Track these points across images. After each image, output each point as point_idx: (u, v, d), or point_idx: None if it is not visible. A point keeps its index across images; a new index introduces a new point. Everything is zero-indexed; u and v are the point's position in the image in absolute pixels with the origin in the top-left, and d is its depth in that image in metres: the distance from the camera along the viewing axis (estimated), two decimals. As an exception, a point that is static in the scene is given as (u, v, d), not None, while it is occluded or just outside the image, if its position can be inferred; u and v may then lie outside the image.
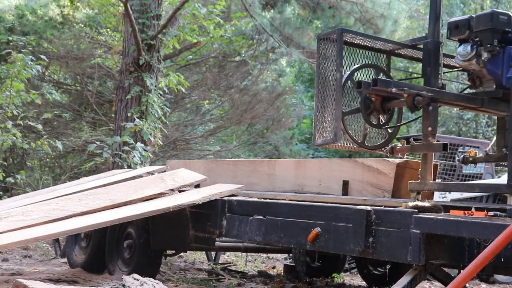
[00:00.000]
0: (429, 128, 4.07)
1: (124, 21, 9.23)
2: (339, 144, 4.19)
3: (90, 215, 4.65)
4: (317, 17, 13.70)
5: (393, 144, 4.35)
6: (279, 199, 4.68)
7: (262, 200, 4.72)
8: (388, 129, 4.42)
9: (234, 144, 14.52)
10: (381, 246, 3.66)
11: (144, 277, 4.00)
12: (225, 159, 11.05)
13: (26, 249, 7.74)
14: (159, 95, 9.16)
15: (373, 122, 4.28)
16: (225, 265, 7.16)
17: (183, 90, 10.04)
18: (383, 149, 4.40)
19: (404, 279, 3.59)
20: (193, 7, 9.18)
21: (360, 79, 4.23)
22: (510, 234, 2.73)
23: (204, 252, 7.41)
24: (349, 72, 4.24)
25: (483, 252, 2.75)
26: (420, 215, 3.51)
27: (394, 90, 3.95)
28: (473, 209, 3.61)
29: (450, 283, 2.81)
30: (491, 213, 3.41)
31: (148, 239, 5.14)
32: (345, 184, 4.68)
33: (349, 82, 4.21)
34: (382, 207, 3.87)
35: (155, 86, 8.94)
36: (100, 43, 11.66)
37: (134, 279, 3.91)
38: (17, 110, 8.42)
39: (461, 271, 3.23)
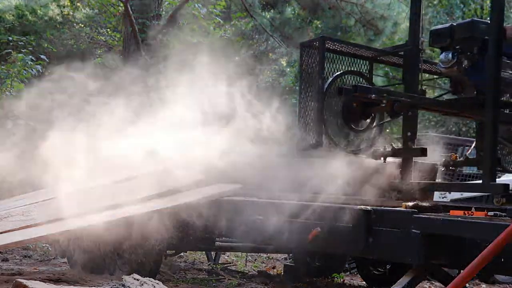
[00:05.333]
0: (409, 133, 4.24)
1: (124, 21, 9.23)
2: (322, 149, 4.30)
3: (90, 215, 4.64)
4: (317, 17, 13.72)
5: (375, 148, 4.50)
6: (279, 199, 4.68)
7: (263, 200, 4.72)
8: (370, 133, 4.58)
9: (234, 144, 14.48)
10: (381, 246, 3.66)
11: (144, 277, 4.00)
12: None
13: (26, 249, 7.74)
14: (159, 95, 9.16)
15: (355, 127, 4.38)
16: (225, 265, 7.16)
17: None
18: (365, 153, 4.56)
19: (404, 279, 3.59)
20: (193, 7, 9.19)
21: (344, 85, 4.41)
22: (510, 234, 2.73)
23: (204, 252, 7.41)
24: (331, 78, 4.34)
25: (483, 252, 2.75)
26: (420, 215, 3.51)
27: (374, 96, 4.09)
28: (473, 209, 3.61)
29: (450, 283, 2.81)
30: (491, 213, 3.41)
31: (148, 239, 5.14)
32: (345, 184, 4.69)
33: (331, 88, 4.33)
34: (382, 207, 3.88)
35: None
36: (100, 43, 11.66)
37: (134, 279, 3.91)
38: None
39: (461, 271, 3.23)
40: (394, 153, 4.35)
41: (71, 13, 12.38)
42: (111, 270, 5.38)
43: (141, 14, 8.85)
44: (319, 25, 16.82)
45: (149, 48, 8.84)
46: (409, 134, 4.25)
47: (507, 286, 6.90)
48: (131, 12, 8.46)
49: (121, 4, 8.70)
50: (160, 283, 3.92)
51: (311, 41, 4.50)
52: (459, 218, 3.35)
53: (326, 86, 4.31)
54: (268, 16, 13.44)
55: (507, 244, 2.73)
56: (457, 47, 4.18)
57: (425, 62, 4.64)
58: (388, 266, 5.91)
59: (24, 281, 3.46)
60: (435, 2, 17.28)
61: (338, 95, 4.29)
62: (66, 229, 4.36)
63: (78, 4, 12.13)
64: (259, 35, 13.13)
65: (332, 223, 3.94)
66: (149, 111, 5.42)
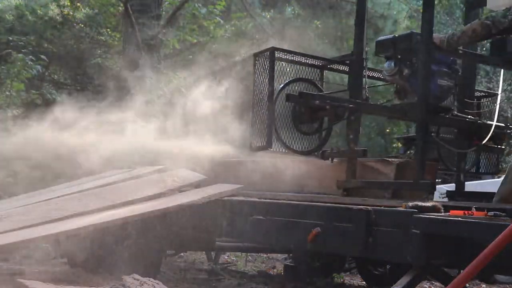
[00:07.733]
0: (351, 136, 4.58)
1: (124, 21, 9.23)
2: (272, 150, 4.66)
3: (90, 215, 4.64)
4: (317, 17, 13.72)
5: (323, 150, 4.82)
6: (279, 199, 4.69)
7: (262, 200, 4.72)
8: (320, 135, 4.93)
9: (234, 144, 14.47)
10: (381, 246, 3.66)
11: (144, 277, 4.00)
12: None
13: (26, 249, 7.73)
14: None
15: (303, 130, 4.78)
16: (225, 265, 7.16)
17: (183, 90, 10.04)
18: (315, 153, 4.90)
19: (404, 279, 3.58)
20: (193, 7, 9.20)
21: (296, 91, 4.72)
22: (510, 234, 2.73)
23: (204, 252, 7.41)
24: (282, 85, 4.70)
25: (483, 252, 2.75)
26: (420, 215, 3.50)
27: (317, 102, 4.45)
28: (473, 209, 3.61)
29: (450, 283, 2.81)
30: (491, 213, 3.41)
31: (148, 239, 5.14)
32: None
33: (281, 94, 4.67)
34: (382, 207, 3.87)
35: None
36: (100, 43, 11.67)
37: (134, 279, 3.91)
38: (17, 110, 8.43)
39: (461, 271, 3.23)
40: (339, 154, 4.68)
41: (71, 13, 12.36)
42: (111, 270, 5.38)
43: (141, 14, 8.84)
44: (319, 25, 16.82)
45: (149, 48, 8.83)
46: (351, 136, 4.57)
47: (507, 286, 6.90)
48: (131, 12, 8.46)
49: (121, 4, 8.70)
50: (160, 283, 3.93)
51: (262, 51, 4.80)
52: (459, 218, 3.35)
53: (276, 92, 4.62)
54: (268, 16, 13.42)
55: (507, 244, 2.73)
56: (399, 56, 4.53)
57: (370, 70, 5.04)
58: (388, 266, 5.91)
59: (24, 281, 3.46)
60: (435, 2, 17.26)
61: (286, 101, 4.59)
62: (66, 229, 4.36)
63: (78, 4, 12.11)
64: (259, 35, 13.12)
65: (332, 223, 3.94)
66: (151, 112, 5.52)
